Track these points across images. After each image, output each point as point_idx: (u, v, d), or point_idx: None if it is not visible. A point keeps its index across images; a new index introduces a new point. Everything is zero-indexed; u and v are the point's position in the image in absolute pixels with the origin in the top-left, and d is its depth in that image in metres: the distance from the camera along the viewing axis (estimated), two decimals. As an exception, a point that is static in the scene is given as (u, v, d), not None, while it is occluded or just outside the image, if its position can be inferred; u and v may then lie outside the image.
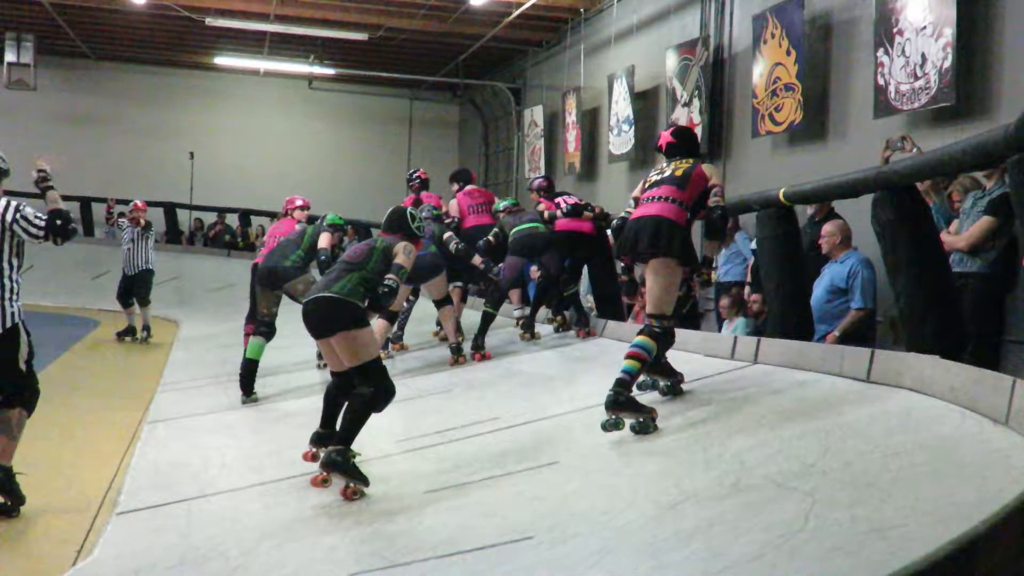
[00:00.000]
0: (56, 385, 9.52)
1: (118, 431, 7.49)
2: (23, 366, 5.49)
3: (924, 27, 8.47)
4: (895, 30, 8.80)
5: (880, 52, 8.96)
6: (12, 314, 5.35)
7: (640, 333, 5.60)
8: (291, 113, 23.93)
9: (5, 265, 5.35)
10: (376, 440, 6.22)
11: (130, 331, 13.48)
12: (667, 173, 5.73)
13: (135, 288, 13.49)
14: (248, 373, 8.43)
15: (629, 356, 5.46)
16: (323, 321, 5.60)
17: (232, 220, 22.17)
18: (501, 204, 9.86)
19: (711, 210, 5.62)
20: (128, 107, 23.15)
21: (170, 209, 22.05)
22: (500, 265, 9.13)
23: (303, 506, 5.15)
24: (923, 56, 8.47)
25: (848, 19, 10.01)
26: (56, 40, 20.57)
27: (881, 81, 8.96)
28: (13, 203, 5.38)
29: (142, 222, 13.65)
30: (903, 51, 8.71)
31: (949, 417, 4.14)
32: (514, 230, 9.03)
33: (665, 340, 5.63)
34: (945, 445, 3.87)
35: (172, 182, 21.94)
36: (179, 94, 23.39)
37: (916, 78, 8.56)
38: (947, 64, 8.22)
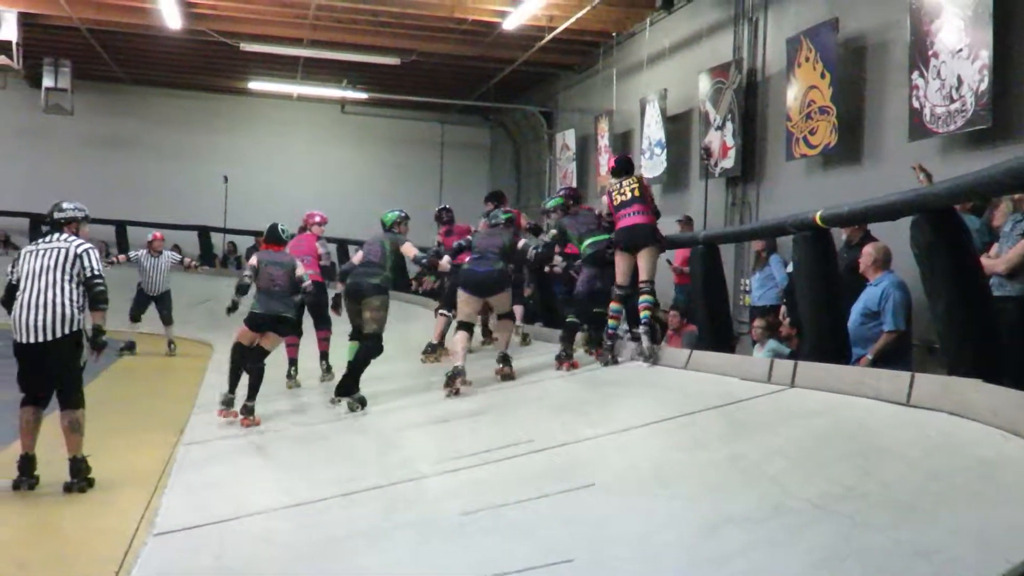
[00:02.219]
0: (92, 408, 9.55)
1: (154, 453, 7.53)
2: (82, 364, 6.77)
3: (960, 49, 8.44)
4: (930, 52, 8.77)
5: (915, 75, 8.93)
6: (78, 320, 6.66)
7: (641, 293, 8.25)
8: (323, 137, 24.09)
9: (73, 284, 6.67)
10: (411, 462, 6.23)
11: (131, 346, 14.33)
12: (628, 195, 8.44)
13: (160, 308, 14.65)
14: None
15: (644, 309, 8.16)
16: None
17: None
18: (550, 203, 9.92)
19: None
20: (163, 131, 23.38)
21: (204, 232, 22.27)
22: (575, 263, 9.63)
23: (338, 527, 5.15)
24: (959, 78, 8.43)
25: (882, 42, 9.99)
26: (93, 65, 20.79)
27: (916, 104, 8.92)
28: (86, 244, 6.86)
29: (160, 250, 14.77)
30: (938, 73, 8.68)
31: (991, 440, 4.08)
32: (589, 241, 8.97)
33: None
34: (987, 468, 3.81)
35: (206, 205, 22.18)
36: (213, 118, 23.62)
37: (952, 101, 8.51)
38: (983, 87, 8.18)
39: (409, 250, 9.21)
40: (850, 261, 7.86)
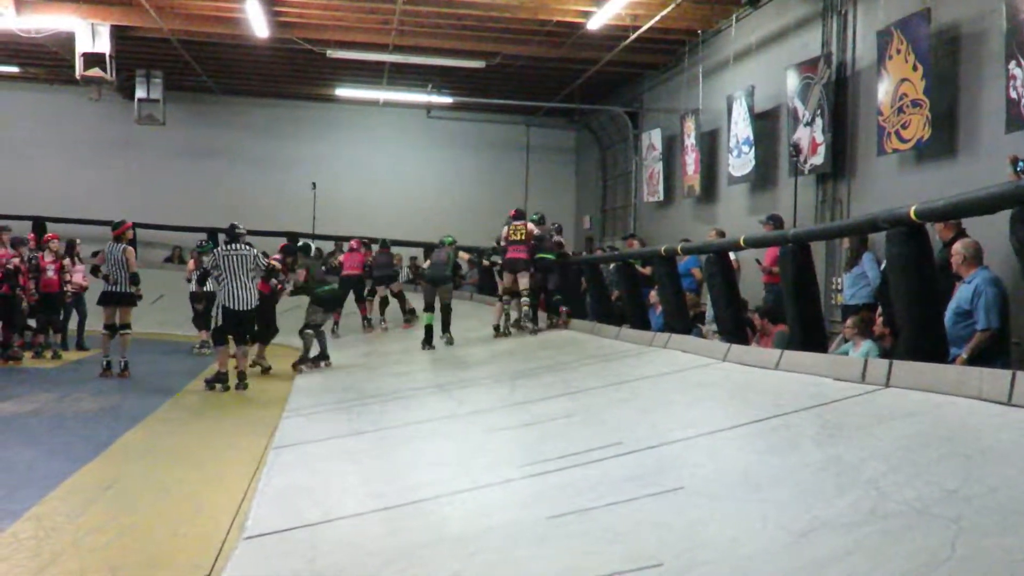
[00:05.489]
0: (184, 413, 9.78)
1: (244, 457, 7.60)
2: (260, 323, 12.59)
3: (1059, 37, 8.17)
4: (1028, 41, 8.49)
5: (1012, 64, 8.66)
6: (256, 296, 11.98)
7: (522, 297, 13.86)
8: (410, 142, 24.26)
9: (253, 274, 11.95)
10: (498, 465, 6.18)
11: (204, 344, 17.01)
12: (518, 237, 13.82)
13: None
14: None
15: (525, 306, 13.90)
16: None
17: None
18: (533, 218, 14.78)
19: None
20: (252, 139, 23.81)
21: (293, 238, 22.50)
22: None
23: (427, 532, 5.12)
24: (1058, 67, 8.16)
25: (977, 31, 9.71)
26: (184, 76, 21.27)
27: (1013, 94, 8.64)
28: (255, 250, 12.10)
29: None
30: (1037, 62, 8.40)
31: (1100, 441, 3.92)
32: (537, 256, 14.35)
33: (535, 302, 14.12)
34: (1098, 471, 3.66)
35: (295, 212, 22.50)
36: (301, 126, 23.96)
37: (1051, 90, 8.24)
38: (1085, 74, 7.90)
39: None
40: (943, 259, 7.64)
